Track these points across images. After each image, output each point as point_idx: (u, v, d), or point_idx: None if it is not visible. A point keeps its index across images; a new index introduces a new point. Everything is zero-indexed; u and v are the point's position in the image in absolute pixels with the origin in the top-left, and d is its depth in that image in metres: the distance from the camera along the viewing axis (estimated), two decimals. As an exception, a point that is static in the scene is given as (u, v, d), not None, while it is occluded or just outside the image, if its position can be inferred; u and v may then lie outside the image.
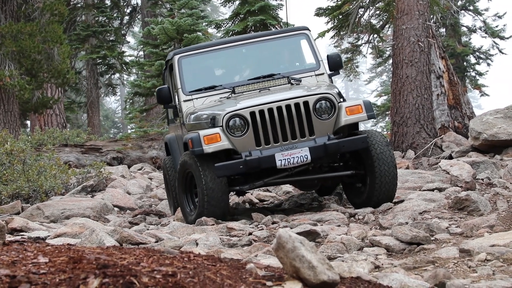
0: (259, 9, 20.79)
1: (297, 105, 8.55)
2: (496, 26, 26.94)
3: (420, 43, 16.59)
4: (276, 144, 8.54)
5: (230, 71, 10.38)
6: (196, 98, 9.62)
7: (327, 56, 9.76)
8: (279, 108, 8.52)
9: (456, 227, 7.55)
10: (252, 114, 8.50)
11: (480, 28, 27.52)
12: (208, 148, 8.40)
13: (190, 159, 8.72)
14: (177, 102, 9.88)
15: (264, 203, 10.43)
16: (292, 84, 9.52)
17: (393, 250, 6.73)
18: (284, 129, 8.54)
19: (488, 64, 28.72)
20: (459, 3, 27.26)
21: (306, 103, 8.56)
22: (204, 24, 20.75)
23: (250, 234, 8.00)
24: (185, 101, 9.63)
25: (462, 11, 27.46)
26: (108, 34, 28.42)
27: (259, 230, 8.30)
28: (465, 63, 28.98)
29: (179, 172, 9.05)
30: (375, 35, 22.25)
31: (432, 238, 7.05)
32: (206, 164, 8.59)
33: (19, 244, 4.31)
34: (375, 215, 8.53)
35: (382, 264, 5.85)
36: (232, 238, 7.78)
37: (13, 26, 18.82)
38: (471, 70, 29.29)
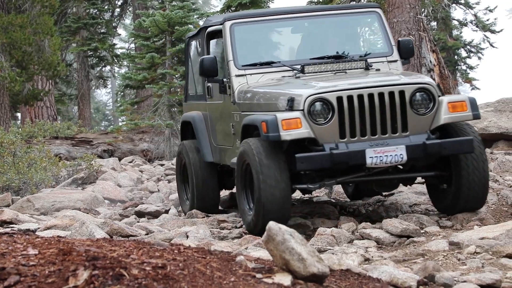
0: (250, 2, 20.75)
1: (391, 94, 7.20)
2: (487, 20, 26.97)
3: (411, 36, 16.61)
4: (363, 138, 7.18)
5: (288, 46, 9.11)
6: (250, 74, 8.19)
7: (399, 41, 8.48)
8: (370, 96, 7.17)
9: (446, 220, 7.57)
10: (339, 99, 7.13)
11: (471, 22, 27.55)
12: (287, 135, 7.00)
13: (253, 145, 7.30)
14: (225, 77, 8.34)
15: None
16: (368, 69, 8.13)
17: (383, 243, 6.75)
18: (374, 121, 7.19)
19: (479, 58, 28.77)
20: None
21: (401, 93, 7.23)
22: (195, 16, 20.71)
23: (240, 226, 8.02)
24: (237, 76, 8.16)
25: (453, 5, 27.47)
26: (99, 27, 28.35)
27: (250, 222, 8.31)
28: (456, 57, 29.02)
29: (238, 164, 7.63)
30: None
31: (422, 231, 7.07)
32: (269, 154, 7.20)
33: (9, 236, 4.31)
34: (366, 208, 8.54)
35: (372, 257, 5.87)
36: (223, 231, 7.79)
37: (3, 18, 18.76)
38: (462, 63, 29.34)
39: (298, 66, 8.06)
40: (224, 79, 8.32)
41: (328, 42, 8.85)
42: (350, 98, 7.14)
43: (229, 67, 8.21)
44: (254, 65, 8.26)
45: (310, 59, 8.26)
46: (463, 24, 28.27)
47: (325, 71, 8.03)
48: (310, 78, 7.76)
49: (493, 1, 29.20)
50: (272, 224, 3.93)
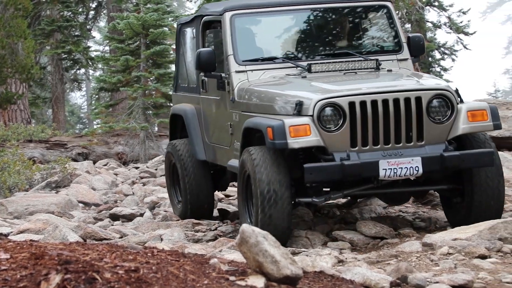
0: (226, 5, 20.74)
1: (407, 100, 6.64)
2: (461, 22, 27.14)
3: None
4: (376, 147, 6.63)
5: (292, 41, 8.31)
6: (251, 71, 7.56)
7: (408, 37, 7.92)
8: (385, 102, 6.62)
9: (419, 221, 7.62)
10: (352, 104, 6.57)
11: (445, 24, 27.70)
12: (295, 143, 6.43)
13: (254, 155, 6.74)
14: (224, 72, 7.72)
15: (230, 198, 10.43)
16: (379, 69, 7.55)
17: (357, 244, 6.78)
18: (388, 129, 6.63)
19: (453, 60, 28.92)
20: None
21: (418, 100, 6.66)
22: (170, 19, 20.67)
23: (215, 229, 8.02)
24: (237, 72, 7.54)
25: (427, 7, 27.62)
26: (73, 29, 28.18)
27: (224, 225, 8.31)
28: (430, 59, 29.16)
29: (240, 174, 7.08)
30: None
31: (395, 233, 7.11)
32: (271, 167, 6.62)
33: (-19, 241, 4.28)
34: (340, 210, 8.57)
35: (346, 259, 5.89)
36: (197, 234, 7.79)
37: (-24, 20, 18.63)
38: (436, 65, 29.47)
39: (304, 64, 7.52)
40: (223, 75, 7.71)
41: (335, 36, 8.26)
42: (363, 103, 6.60)
43: (229, 62, 7.60)
44: (255, 60, 7.71)
45: (316, 55, 7.82)
46: (437, 26, 28.40)
47: (333, 70, 7.46)
48: (318, 78, 7.22)
49: (466, 3, 29.38)
50: (245, 227, 3.93)
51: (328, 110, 6.58)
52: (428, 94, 6.72)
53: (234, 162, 7.39)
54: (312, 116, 6.53)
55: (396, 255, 5.91)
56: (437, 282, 4.59)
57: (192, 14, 8.94)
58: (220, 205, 9.48)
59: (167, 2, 23.22)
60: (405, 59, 7.88)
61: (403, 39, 7.97)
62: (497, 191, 6.82)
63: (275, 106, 6.97)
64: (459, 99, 6.84)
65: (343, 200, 8.82)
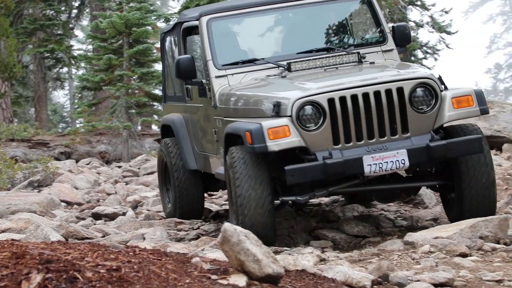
0: (209, 3, 20.75)
1: (388, 92, 6.40)
2: (443, 21, 27.25)
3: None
4: (360, 143, 6.37)
5: (272, 41, 8.17)
6: (232, 74, 7.39)
7: (393, 27, 7.62)
8: (365, 95, 6.38)
9: (401, 219, 7.65)
10: (331, 101, 6.34)
11: (427, 23, 27.80)
12: (275, 145, 6.21)
13: (234, 156, 6.56)
14: (204, 78, 7.58)
15: (213, 197, 10.43)
16: (362, 62, 7.27)
17: (339, 243, 6.80)
18: (371, 123, 6.39)
19: (435, 59, 29.04)
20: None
21: (400, 90, 6.41)
22: (153, 18, 20.65)
23: (197, 228, 8.01)
24: (217, 77, 7.35)
25: (410, 6, 27.71)
26: (56, 28, 28.08)
27: (207, 224, 8.32)
28: (412, 58, 29.24)
29: (226, 177, 6.86)
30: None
31: (377, 231, 7.14)
32: (250, 169, 6.43)
33: (-38, 240, 4.27)
34: (322, 209, 8.59)
35: (328, 257, 5.90)
36: (180, 233, 7.78)
37: (-42, 19, 18.53)
38: (419, 64, 29.62)
39: (284, 63, 7.28)
40: (203, 81, 7.57)
41: (316, 33, 7.98)
42: (342, 99, 6.36)
43: (208, 67, 7.43)
44: (235, 64, 7.48)
45: (297, 53, 7.52)
46: (419, 25, 28.49)
47: (314, 68, 7.20)
48: (297, 77, 6.99)
49: (449, 3, 29.48)
50: (227, 226, 3.94)
51: (307, 109, 6.37)
52: (410, 84, 6.47)
53: (221, 170, 7.21)
54: (291, 116, 6.32)
55: (377, 254, 5.93)
56: (418, 281, 4.60)
57: (173, 22, 8.72)
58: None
59: (150, 1, 23.20)
60: (390, 50, 7.65)
61: (387, 30, 7.75)
62: (487, 184, 6.55)
63: (255, 109, 6.82)
64: (443, 86, 6.61)
65: (327, 201, 8.84)
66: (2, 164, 12.82)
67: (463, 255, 5.52)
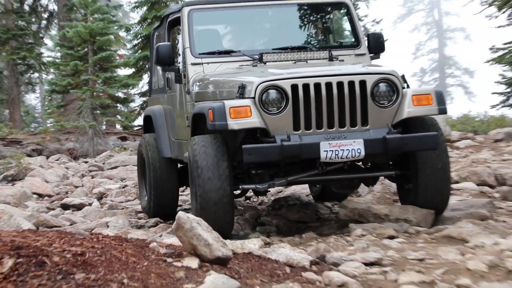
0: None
1: (351, 84, 5.99)
2: (374, 31, 27.52)
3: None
4: (319, 131, 5.93)
5: (250, 36, 7.83)
6: (207, 63, 7.00)
7: (368, 35, 7.27)
8: (328, 85, 5.94)
9: (338, 207, 7.70)
10: (294, 87, 5.91)
11: (360, 33, 28.09)
12: (234, 124, 5.78)
13: (195, 143, 6.11)
14: (181, 65, 7.21)
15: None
16: (332, 60, 6.89)
17: (282, 228, 6.82)
18: (332, 112, 5.96)
19: (367, 64, 29.36)
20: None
21: (362, 83, 6.01)
22: (115, 27, 20.53)
23: (156, 216, 7.97)
24: (193, 64, 6.99)
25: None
26: (27, 37, 27.75)
27: (165, 213, 8.27)
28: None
29: (189, 163, 6.33)
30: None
31: (316, 217, 7.17)
32: (211, 155, 5.97)
33: None
34: (268, 198, 8.61)
35: (272, 241, 5.92)
36: (140, 220, 7.74)
37: None
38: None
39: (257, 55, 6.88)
40: (180, 68, 7.18)
41: (293, 32, 7.61)
42: (306, 86, 5.92)
43: (185, 54, 7.05)
44: (212, 53, 7.07)
45: (273, 49, 7.07)
46: (352, 35, 28.73)
47: (285, 61, 6.83)
48: (268, 67, 6.58)
49: (379, 14, 29.74)
50: (181, 214, 3.94)
51: (270, 93, 5.93)
52: (373, 78, 6.06)
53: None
54: (253, 98, 5.87)
55: (316, 238, 5.96)
56: (351, 260, 4.65)
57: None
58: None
59: (112, 12, 23.04)
60: (363, 54, 7.27)
61: (361, 35, 7.36)
62: (441, 175, 6.22)
63: (222, 92, 6.37)
64: (405, 84, 6.23)
65: (273, 191, 8.85)
66: (-22, 161, 12.64)
67: (391, 237, 5.59)
